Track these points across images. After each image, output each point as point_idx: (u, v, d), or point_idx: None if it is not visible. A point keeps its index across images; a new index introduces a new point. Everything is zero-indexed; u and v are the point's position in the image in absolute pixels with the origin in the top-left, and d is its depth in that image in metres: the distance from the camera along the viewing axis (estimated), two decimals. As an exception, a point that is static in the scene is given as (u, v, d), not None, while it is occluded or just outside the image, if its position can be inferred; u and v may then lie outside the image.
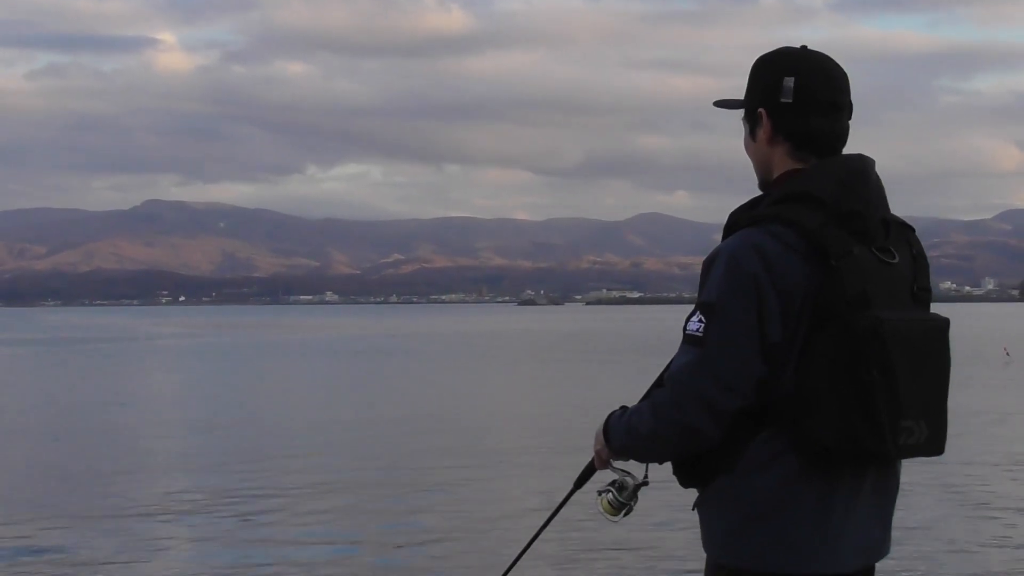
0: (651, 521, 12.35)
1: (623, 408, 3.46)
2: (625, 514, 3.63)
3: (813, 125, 3.30)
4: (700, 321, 3.21)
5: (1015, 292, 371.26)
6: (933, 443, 3.23)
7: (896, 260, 3.23)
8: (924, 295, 3.29)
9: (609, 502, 3.61)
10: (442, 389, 34.24)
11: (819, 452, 3.15)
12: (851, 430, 3.11)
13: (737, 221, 3.31)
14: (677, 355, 3.28)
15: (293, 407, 29.01)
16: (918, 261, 3.31)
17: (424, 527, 13.05)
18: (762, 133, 3.37)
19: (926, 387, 3.19)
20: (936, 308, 3.25)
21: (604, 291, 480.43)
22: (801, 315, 3.15)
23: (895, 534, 3.48)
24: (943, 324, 3.26)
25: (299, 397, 32.46)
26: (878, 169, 3.28)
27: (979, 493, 14.68)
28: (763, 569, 3.26)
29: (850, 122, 3.34)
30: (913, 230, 3.36)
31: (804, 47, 3.37)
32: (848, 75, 3.35)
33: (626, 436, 3.40)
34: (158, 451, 20.39)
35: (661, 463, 3.44)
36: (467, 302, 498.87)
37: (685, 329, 3.26)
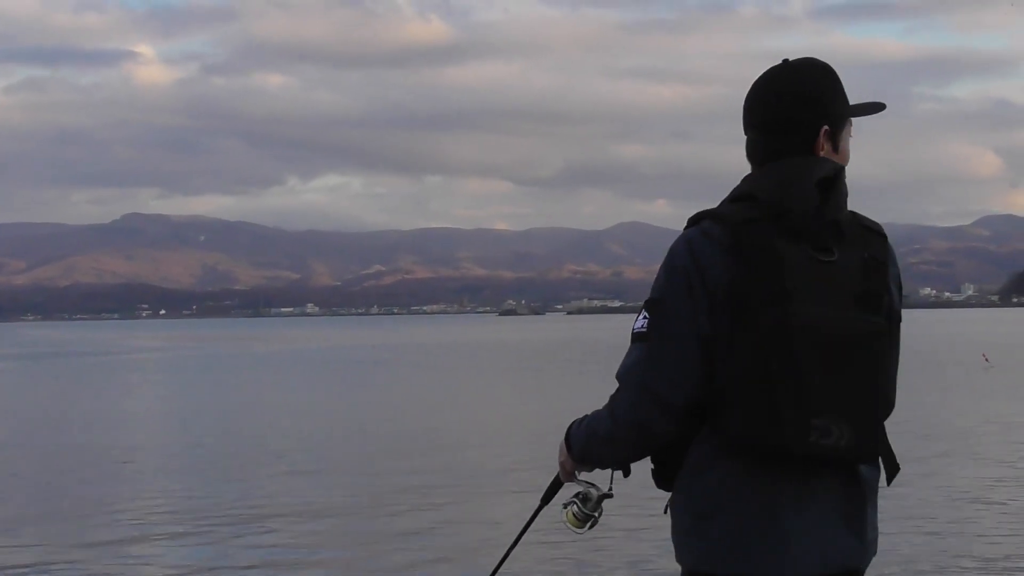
0: (630, 527, 12.36)
1: (584, 416, 3.51)
2: (591, 526, 3.65)
3: (750, 144, 3.47)
4: (645, 318, 3.30)
5: (995, 298, 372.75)
6: (859, 447, 3.22)
7: (834, 259, 3.24)
8: (871, 298, 3.27)
9: (574, 514, 3.64)
10: (426, 402, 34.17)
11: (738, 448, 3.20)
12: (757, 425, 3.14)
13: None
14: (626, 354, 3.34)
15: (276, 422, 28.90)
16: (871, 263, 3.29)
17: (408, 546, 13.03)
18: None
19: (848, 389, 3.18)
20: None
21: (586, 300, 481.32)
22: (726, 309, 3.20)
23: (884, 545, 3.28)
24: (876, 328, 3.25)
25: (282, 411, 32.32)
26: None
27: (960, 503, 14.72)
28: (712, 570, 3.28)
29: (827, 128, 3.40)
30: (880, 234, 3.38)
31: (785, 61, 3.50)
32: (817, 85, 3.42)
33: (586, 440, 3.46)
34: (139, 470, 20.30)
35: (623, 466, 3.50)
36: (448, 312, 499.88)
37: (632, 328, 3.34)
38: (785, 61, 3.48)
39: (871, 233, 3.36)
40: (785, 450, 3.15)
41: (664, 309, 3.26)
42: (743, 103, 3.50)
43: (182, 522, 14.65)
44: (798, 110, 3.39)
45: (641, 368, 3.27)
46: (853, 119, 3.50)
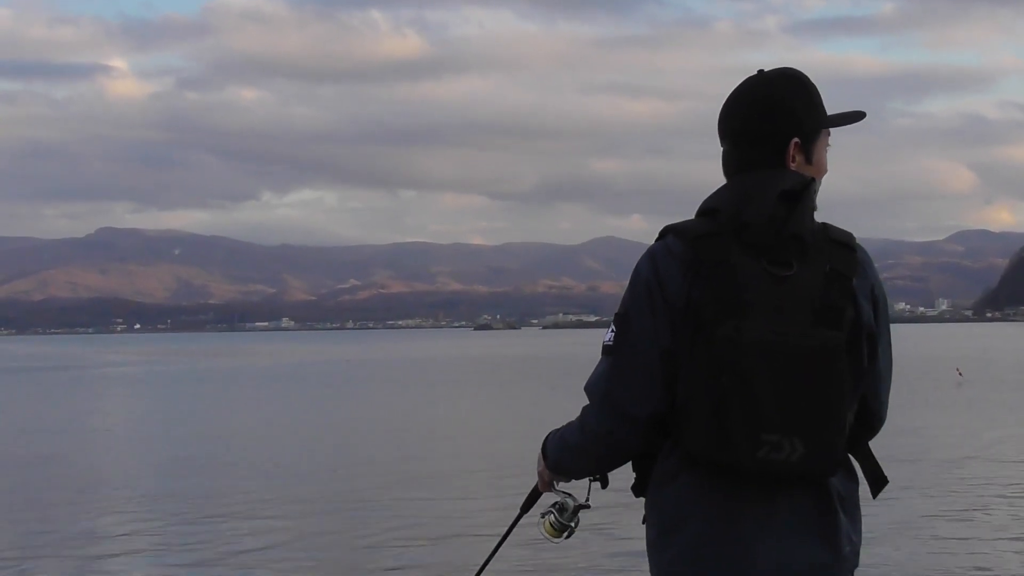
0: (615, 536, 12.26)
1: (560, 427, 3.55)
2: (567, 536, 3.70)
3: (724, 155, 3.45)
4: (612, 331, 3.33)
5: (968, 312, 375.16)
6: (813, 463, 3.17)
7: (792, 273, 3.21)
8: (830, 312, 3.21)
9: (551, 524, 3.68)
10: (400, 418, 34.04)
11: (695, 461, 3.21)
12: (708, 438, 3.15)
13: None
14: (595, 366, 3.38)
15: (249, 441, 28.75)
16: (832, 277, 3.24)
17: (385, 559, 12.91)
18: None
19: (801, 404, 3.15)
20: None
21: (561, 315, 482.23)
22: (685, 322, 3.21)
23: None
24: (832, 342, 3.19)
25: (256, 430, 32.17)
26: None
27: (934, 517, 14.67)
28: None
29: (798, 140, 3.36)
30: (848, 247, 3.32)
31: (760, 71, 3.49)
32: (789, 96, 3.39)
33: (559, 450, 3.51)
34: (109, 488, 20.12)
35: (594, 475, 3.56)
36: (423, 327, 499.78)
37: (603, 341, 3.38)
38: (760, 72, 3.46)
39: (838, 246, 3.31)
40: (735, 465, 3.15)
41: (628, 323, 3.28)
42: (718, 114, 3.49)
43: (145, 543, 14.50)
44: (767, 122, 3.36)
45: (606, 381, 3.30)
46: (832, 130, 3.47)
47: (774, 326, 3.16)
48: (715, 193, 3.37)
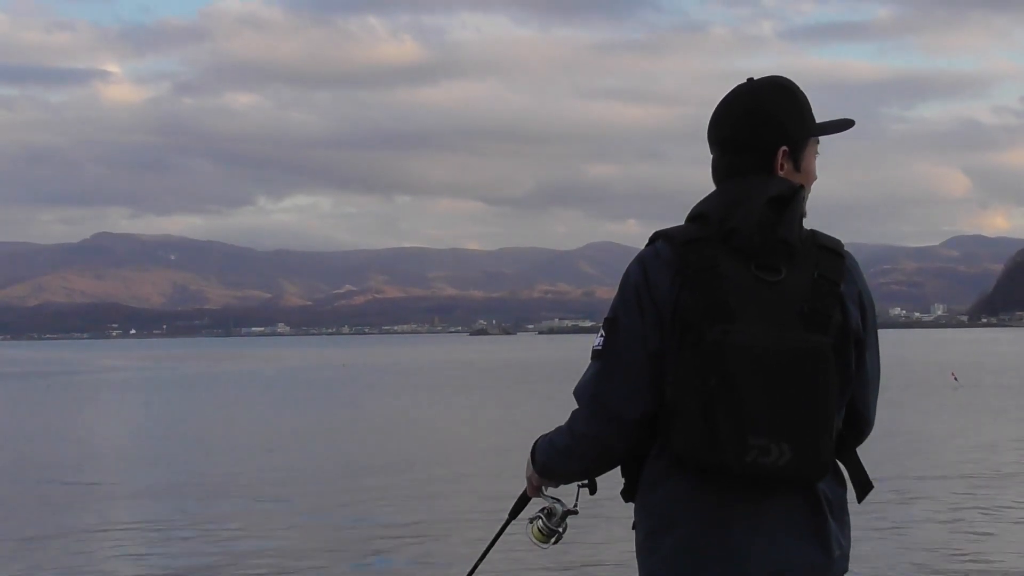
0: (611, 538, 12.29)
1: (550, 431, 3.57)
2: (555, 541, 3.70)
3: (713, 162, 3.49)
4: (602, 335, 3.36)
5: (964, 317, 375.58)
6: (801, 467, 3.19)
7: (780, 278, 3.25)
8: (817, 317, 3.24)
9: (539, 529, 3.69)
10: (395, 423, 34.09)
11: (681, 463, 3.23)
12: (696, 443, 3.16)
13: None
14: (585, 370, 3.40)
15: (244, 445, 28.80)
16: (820, 282, 3.27)
17: (375, 564, 12.95)
18: None
19: (788, 408, 3.17)
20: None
21: (557, 320, 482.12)
22: (674, 326, 3.24)
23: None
24: (818, 347, 3.21)
25: (251, 434, 32.20)
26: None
27: (930, 520, 14.74)
28: None
29: (786, 148, 3.39)
30: (836, 253, 3.35)
31: (749, 80, 3.52)
32: (777, 105, 3.41)
33: (547, 453, 3.52)
34: (102, 491, 20.15)
35: (583, 480, 3.57)
36: (419, 332, 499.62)
37: (592, 346, 3.40)
38: (749, 80, 3.50)
39: (826, 252, 3.34)
40: (724, 468, 3.16)
41: (617, 327, 3.32)
42: (708, 121, 3.51)
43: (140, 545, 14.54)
44: (756, 130, 3.40)
45: (595, 384, 3.33)
46: (821, 137, 3.51)
47: (762, 331, 3.18)
48: (704, 199, 3.40)
